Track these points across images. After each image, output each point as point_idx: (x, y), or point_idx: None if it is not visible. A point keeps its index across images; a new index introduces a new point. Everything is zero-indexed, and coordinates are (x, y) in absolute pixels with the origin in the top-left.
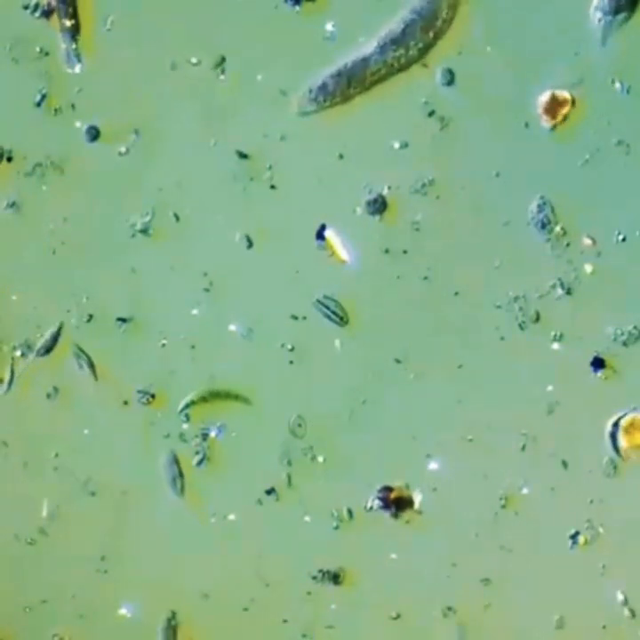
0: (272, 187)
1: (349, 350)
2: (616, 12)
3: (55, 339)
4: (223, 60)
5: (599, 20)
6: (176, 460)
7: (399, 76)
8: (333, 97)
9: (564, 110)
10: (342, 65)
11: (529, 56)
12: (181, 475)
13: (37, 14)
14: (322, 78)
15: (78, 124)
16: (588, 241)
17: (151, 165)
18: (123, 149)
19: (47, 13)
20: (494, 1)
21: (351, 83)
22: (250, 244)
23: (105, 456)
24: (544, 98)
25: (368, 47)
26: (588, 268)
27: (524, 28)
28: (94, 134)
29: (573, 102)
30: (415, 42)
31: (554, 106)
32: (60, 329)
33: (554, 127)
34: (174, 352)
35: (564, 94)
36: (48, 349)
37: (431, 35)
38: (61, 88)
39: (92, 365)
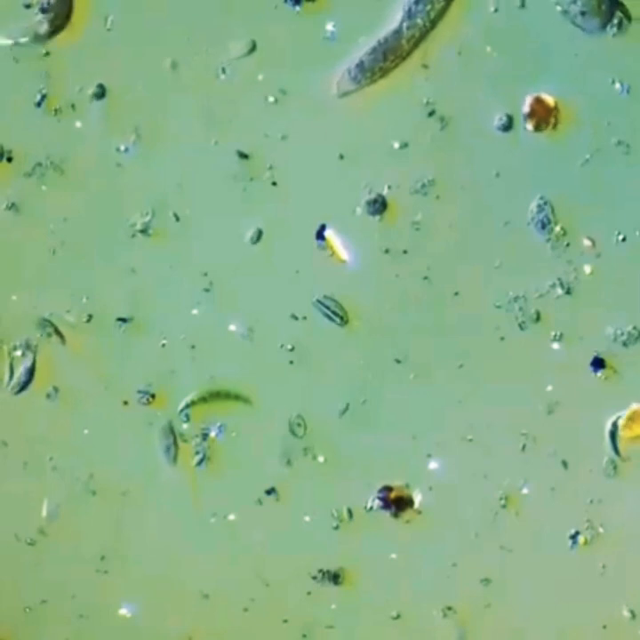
0: (273, 185)
1: (349, 350)
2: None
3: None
4: (223, 59)
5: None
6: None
7: (399, 76)
8: (372, 73)
9: (552, 117)
10: (375, 41)
11: (528, 56)
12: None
13: (37, 14)
14: (358, 57)
15: (78, 124)
16: (587, 241)
17: (151, 165)
18: (123, 149)
19: (47, 12)
20: (494, 1)
21: (387, 55)
22: (250, 244)
23: (105, 456)
24: (528, 103)
25: (396, 17)
26: (588, 268)
27: (524, 28)
28: (101, 94)
29: (556, 107)
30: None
31: (540, 110)
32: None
33: (552, 127)
34: (174, 352)
35: (549, 99)
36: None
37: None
38: (61, 88)
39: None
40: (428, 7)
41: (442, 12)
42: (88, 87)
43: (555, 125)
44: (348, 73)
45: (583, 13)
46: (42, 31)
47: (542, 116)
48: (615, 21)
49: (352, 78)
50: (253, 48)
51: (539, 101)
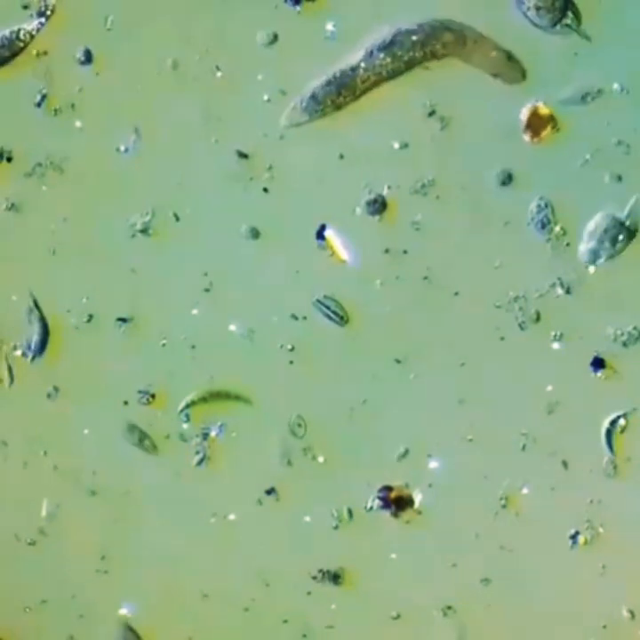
0: (272, 186)
1: (349, 350)
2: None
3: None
4: (223, 59)
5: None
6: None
7: (398, 77)
8: (324, 106)
9: (547, 129)
10: (331, 74)
11: (528, 56)
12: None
13: (37, 14)
14: (311, 89)
15: (78, 124)
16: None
17: (151, 165)
18: (123, 149)
19: (46, 13)
20: (493, 1)
21: (341, 91)
22: (250, 244)
23: (105, 456)
24: (525, 114)
25: (356, 55)
26: (588, 269)
27: (524, 28)
28: (88, 58)
29: (552, 116)
30: (403, 52)
31: (536, 122)
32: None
33: (552, 128)
34: (174, 352)
35: (545, 110)
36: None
37: (421, 50)
38: (61, 88)
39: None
40: (388, 60)
41: (398, 71)
42: (88, 87)
43: (554, 128)
44: (300, 103)
45: (538, 8)
46: (41, 31)
47: (538, 126)
48: (566, 22)
49: (303, 109)
50: (253, 48)
51: (534, 113)
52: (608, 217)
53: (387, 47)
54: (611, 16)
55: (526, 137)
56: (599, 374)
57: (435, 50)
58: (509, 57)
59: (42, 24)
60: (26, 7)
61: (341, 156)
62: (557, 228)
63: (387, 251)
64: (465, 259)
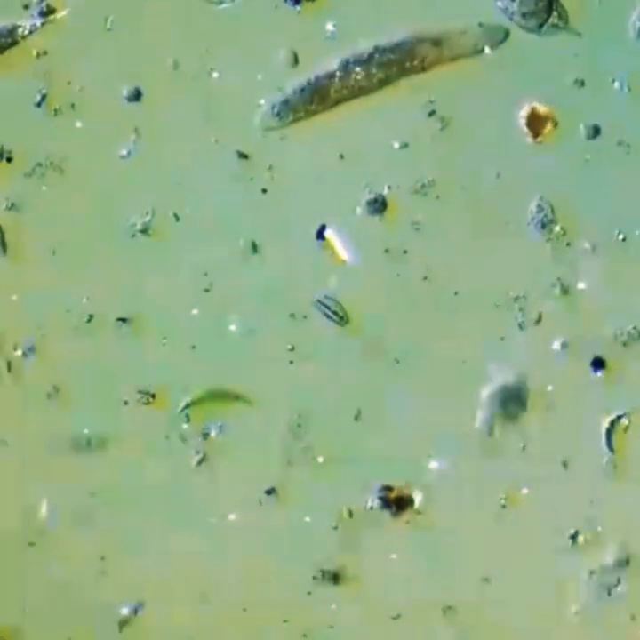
0: (272, 186)
1: (349, 350)
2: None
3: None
4: (223, 59)
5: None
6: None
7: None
8: (296, 113)
9: (547, 127)
10: (305, 81)
11: (527, 57)
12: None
13: (37, 14)
14: (285, 94)
15: (78, 124)
16: (587, 241)
17: (151, 165)
18: (123, 150)
19: (47, 13)
20: (490, 2)
21: (314, 99)
22: (250, 244)
23: (105, 456)
24: (524, 113)
25: (332, 64)
26: (588, 269)
27: (523, 28)
28: (136, 95)
29: (551, 116)
30: (378, 69)
31: (536, 121)
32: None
33: (552, 126)
34: (174, 352)
35: (544, 109)
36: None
37: (395, 68)
38: (61, 88)
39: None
40: (360, 76)
41: (373, 87)
42: (88, 87)
43: (554, 127)
44: (272, 109)
45: (524, 14)
46: (41, 31)
47: (537, 125)
48: (551, 22)
49: (275, 114)
50: (253, 48)
51: (533, 112)
52: (497, 387)
53: (364, 62)
54: (611, 16)
55: (527, 137)
56: (599, 374)
57: (413, 66)
58: (480, 24)
59: (42, 24)
60: (26, 7)
61: (341, 156)
62: (557, 228)
63: (387, 251)
64: (465, 259)
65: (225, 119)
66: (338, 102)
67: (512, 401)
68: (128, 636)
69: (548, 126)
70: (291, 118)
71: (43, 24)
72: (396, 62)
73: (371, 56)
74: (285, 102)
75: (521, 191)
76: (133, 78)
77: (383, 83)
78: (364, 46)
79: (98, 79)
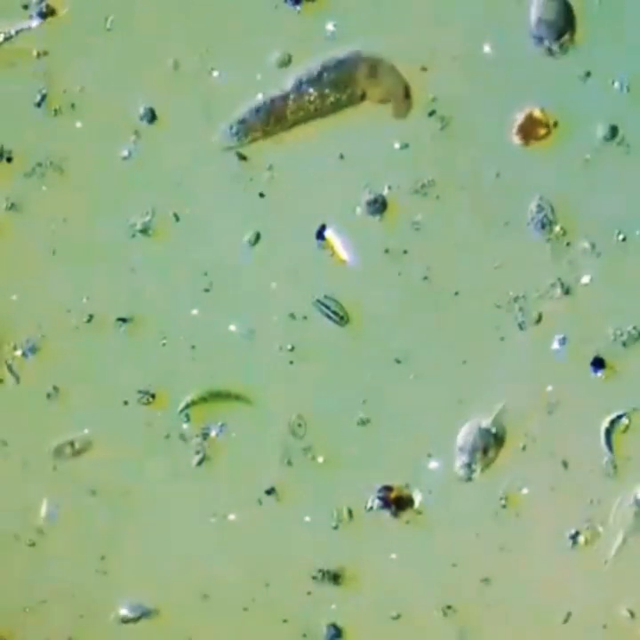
0: (272, 185)
1: (349, 350)
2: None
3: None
4: (223, 59)
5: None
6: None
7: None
8: (254, 132)
9: (542, 131)
10: (262, 101)
11: (527, 57)
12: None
13: (37, 14)
14: (242, 114)
15: (78, 124)
16: (587, 242)
17: (151, 165)
18: (123, 150)
19: (47, 13)
20: (490, 2)
21: (270, 120)
22: (250, 244)
23: (105, 456)
24: (520, 119)
25: (288, 84)
26: (588, 269)
27: (522, 27)
28: (151, 117)
29: (545, 120)
30: (328, 92)
31: (530, 126)
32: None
33: (546, 133)
34: (174, 352)
35: (539, 115)
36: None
37: (344, 94)
38: (61, 88)
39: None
40: (313, 97)
41: (326, 111)
42: (88, 87)
43: (547, 134)
44: (230, 129)
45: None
46: (40, 30)
47: (530, 130)
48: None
49: (234, 134)
50: (253, 48)
51: (529, 117)
52: (474, 428)
53: (314, 82)
54: (610, 16)
55: (518, 140)
56: (599, 374)
57: (354, 93)
58: (406, 93)
59: (42, 24)
60: (26, 7)
61: (341, 156)
62: (557, 228)
63: (387, 251)
64: (465, 259)
65: (225, 119)
66: (296, 124)
67: (490, 441)
68: (128, 635)
69: (541, 132)
70: (248, 138)
71: (42, 24)
72: (341, 83)
73: (319, 76)
74: (242, 122)
75: (521, 191)
76: (133, 79)
77: (336, 107)
78: (313, 64)
79: (98, 79)
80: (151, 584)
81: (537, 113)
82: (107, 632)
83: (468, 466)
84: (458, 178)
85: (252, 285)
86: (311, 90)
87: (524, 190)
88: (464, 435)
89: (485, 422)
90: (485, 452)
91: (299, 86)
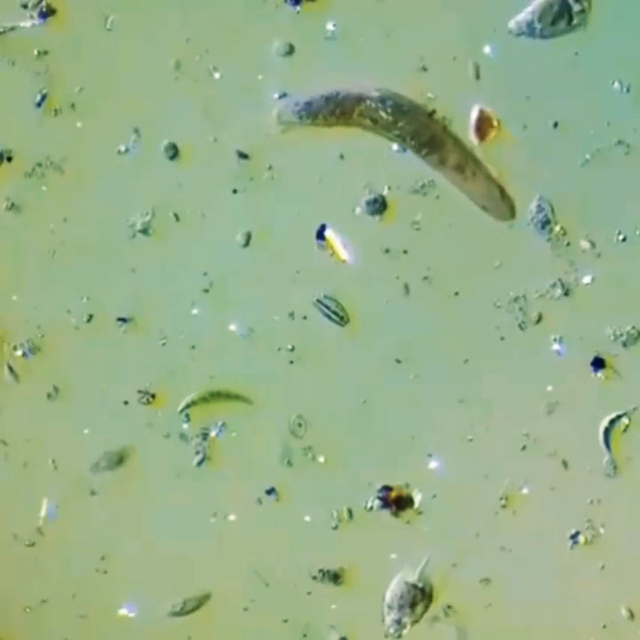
0: (273, 185)
1: (349, 350)
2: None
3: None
4: (223, 59)
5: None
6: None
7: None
8: (315, 118)
9: (493, 132)
10: (334, 92)
11: (527, 57)
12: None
13: (37, 14)
14: (310, 96)
15: (78, 124)
16: (587, 241)
17: (151, 165)
18: (123, 149)
19: (46, 14)
20: (490, 2)
21: (336, 112)
22: (250, 244)
23: (105, 456)
24: (474, 115)
25: (368, 88)
26: (588, 269)
27: (522, 28)
28: (173, 153)
29: (497, 123)
30: (402, 125)
31: (483, 124)
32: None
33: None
34: (174, 352)
35: (490, 112)
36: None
37: (420, 142)
38: (61, 88)
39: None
40: (385, 119)
41: (394, 136)
42: (88, 87)
43: (498, 133)
44: (295, 105)
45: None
46: (40, 30)
47: (485, 128)
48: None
49: (295, 112)
50: (253, 48)
51: (482, 115)
52: (401, 584)
53: (396, 108)
54: (610, 15)
55: (473, 139)
56: (599, 374)
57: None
58: (502, 193)
59: (42, 24)
60: (25, 7)
61: (341, 156)
62: (557, 228)
63: (387, 251)
64: (465, 259)
65: (225, 119)
66: (358, 125)
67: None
68: (128, 635)
69: (493, 131)
70: (308, 121)
71: (43, 24)
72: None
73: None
74: (309, 104)
75: (521, 191)
76: (133, 78)
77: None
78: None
79: (98, 79)
80: (151, 584)
81: (487, 111)
82: (107, 632)
83: (399, 622)
84: None
85: (252, 285)
86: (388, 111)
87: (524, 190)
88: (392, 591)
89: (411, 578)
90: (413, 606)
91: (382, 100)
